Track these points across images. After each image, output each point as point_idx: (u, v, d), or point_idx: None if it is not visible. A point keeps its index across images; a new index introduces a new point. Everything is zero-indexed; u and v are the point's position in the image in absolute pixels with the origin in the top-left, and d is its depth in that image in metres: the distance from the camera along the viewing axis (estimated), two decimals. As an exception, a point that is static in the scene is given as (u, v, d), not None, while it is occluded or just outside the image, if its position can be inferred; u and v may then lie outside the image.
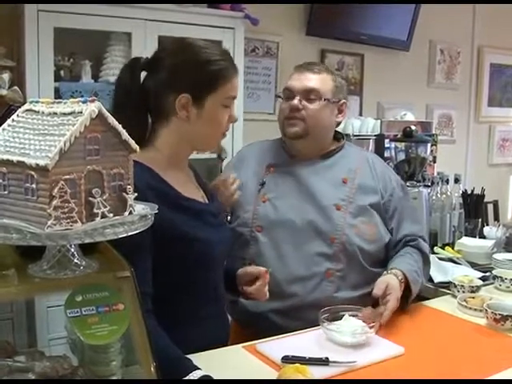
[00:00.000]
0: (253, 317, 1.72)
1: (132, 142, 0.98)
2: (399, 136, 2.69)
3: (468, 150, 4.58)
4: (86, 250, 1.00)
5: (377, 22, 3.74)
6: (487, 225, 2.91)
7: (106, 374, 1.02)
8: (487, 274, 2.07)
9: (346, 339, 1.45)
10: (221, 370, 1.26)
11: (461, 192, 2.69)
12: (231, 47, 2.84)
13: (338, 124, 1.86)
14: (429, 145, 2.66)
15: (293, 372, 1.21)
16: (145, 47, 2.52)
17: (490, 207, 3.88)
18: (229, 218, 1.80)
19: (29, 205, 0.89)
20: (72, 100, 0.95)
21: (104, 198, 0.92)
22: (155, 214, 1.02)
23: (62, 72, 2.56)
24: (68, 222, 0.87)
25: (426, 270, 1.85)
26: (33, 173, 0.87)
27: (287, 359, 1.34)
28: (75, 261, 0.97)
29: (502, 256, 2.17)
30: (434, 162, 3.32)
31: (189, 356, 1.25)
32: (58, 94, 2.42)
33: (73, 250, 0.97)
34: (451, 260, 2.29)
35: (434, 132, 3.61)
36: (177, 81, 1.36)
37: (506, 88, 4.78)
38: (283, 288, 1.70)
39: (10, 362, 1.00)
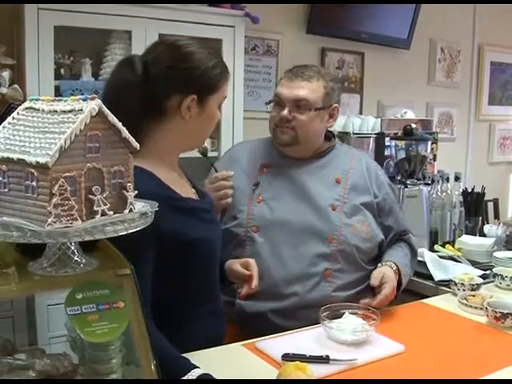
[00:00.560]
0: (250, 317, 1.72)
1: (132, 140, 0.98)
2: (399, 134, 2.69)
3: (468, 148, 4.57)
4: (86, 247, 1.00)
5: (377, 21, 3.74)
6: (487, 223, 2.92)
7: (106, 372, 1.02)
8: (487, 272, 2.07)
9: (347, 337, 1.45)
10: (220, 368, 1.26)
11: (461, 190, 2.69)
12: (231, 45, 2.83)
13: (330, 126, 1.87)
14: (429, 143, 2.66)
15: (293, 370, 1.21)
16: (145, 45, 2.47)
17: (491, 205, 3.88)
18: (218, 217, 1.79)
19: (29, 202, 0.89)
20: (72, 98, 0.95)
21: (104, 195, 0.92)
22: (160, 219, 1.02)
23: (62, 70, 2.55)
24: (68, 220, 0.87)
25: (414, 263, 1.92)
26: (33, 170, 0.87)
27: (287, 357, 1.34)
28: (75, 258, 0.97)
29: (502, 254, 2.17)
30: (435, 160, 3.31)
31: (188, 354, 1.26)
32: (58, 92, 2.41)
33: (73, 247, 0.97)
34: (451, 258, 2.29)
35: (434, 130, 3.60)
36: (183, 83, 1.37)
37: (507, 86, 4.78)
38: (281, 288, 1.70)
39: (10, 359, 1.00)
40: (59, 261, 0.96)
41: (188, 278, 1.39)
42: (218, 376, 1.19)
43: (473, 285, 1.87)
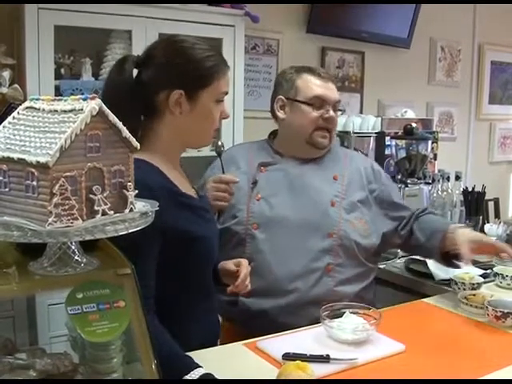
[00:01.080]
0: (254, 315, 1.72)
1: (133, 140, 0.98)
2: (400, 133, 2.69)
3: (469, 147, 4.57)
4: (87, 247, 1.00)
5: (377, 20, 3.74)
6: (488, 222, 2.91)
7: (106, 372, 1.02)
8: (488, 271, 2.07)
9: (347, 336, 1.45)
10: (221, 367, 1.26)
11: (461, 189, 2.69)
12: (231, 45, 2.83)
13: None
14: (429, 142, 2.66)
15: (294, 369, 1.21)
16: (145, 45, 2.47)
17: (491, 205, 3.88)
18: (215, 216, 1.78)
19: (29, 202, 0.89)
20: (72, 97, 0.95)
21: (105, 195, 0.92)
22: (165, 214, 1.02)
23: (62, 70, 2.55)
24: (69, 219, 0.87)
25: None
26: (33, 170, 0.87)
27: (288, 356, 1.34)
28: (76, 258, 0.97)
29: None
30: (435, 159, 3.32)
31: (189, 353, 1.26)
32: (58, 92, 2.42)
33: (73, 247, 0.97)
34: (452, 257, 2.28)
35: (434, 129, 3.61)
36: (169, 77, 1.36)
37: (507, 86, 4.78)
38: (284, 284, 1.71)
39: (11, 359, 1.00)
40: (60, 260, 0.96)
41: (187, 275, 1.39)
42: (218, 375, 1.19)
43: (473, 284, 1.86)
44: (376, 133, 3.11)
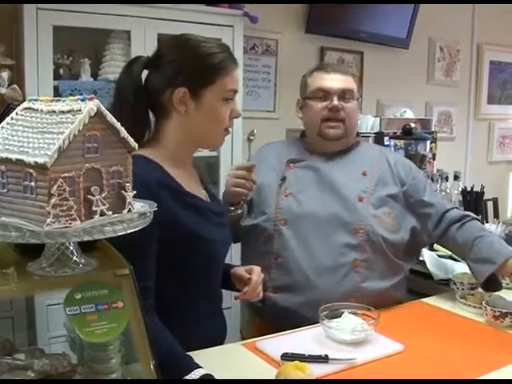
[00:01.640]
0: (282, 311, 1.72)
1: (131, 140, 0.98)
2: (399, 133, 2.69)
3: (468, 147, 4.57)
4: (85, 247, 1.00)
5: (376, 20, 3.74)
6: (487, 222, 2.91)
7: (105, 372, 1.02)
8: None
9: (346, 336, 1.45)
10: (220, 367, 1.26)
11: (460, 189, 2.69)
12: (230, 45, 2.77)
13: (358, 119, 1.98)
14: (428, 142, 2.67)
15: (292, 369, 1.21)
16: (144, 45, 2.52)
17: (490, 204, 3.87)
18: (245, 212, 1.79)
19: (28, 203, 0.89)
20: (71, 98, 0.95)
21: (103, 195, 0.93)
22: (162, 207, 1.02)
23: (61, 70, 2.55)
24: (67, 220, 0.87)
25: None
26: (31, 171, 0.87)
27: (287, 356, 1.34)
28: (74, 259, 0.97)
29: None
30: (434, 159, 3.31)
31: (188, 353, 1.25)
32: (57, 93, 2.41)
33: (72, 247, 0.97)
34: (451, 257, 2.28)
35: (433, 129, 3.60)
36: (173, 75, 1.36)
37: (506, 85, 4.77)
38: (312, 279, 1.71)
39: (9, 359, 1.00)
40: (58, 261, 0.96)
41: (186, 274, 1.38)
42: (217, 375, 1.19)
43: (472, 284, 1.87)
44: (375, 133, 3.10)
